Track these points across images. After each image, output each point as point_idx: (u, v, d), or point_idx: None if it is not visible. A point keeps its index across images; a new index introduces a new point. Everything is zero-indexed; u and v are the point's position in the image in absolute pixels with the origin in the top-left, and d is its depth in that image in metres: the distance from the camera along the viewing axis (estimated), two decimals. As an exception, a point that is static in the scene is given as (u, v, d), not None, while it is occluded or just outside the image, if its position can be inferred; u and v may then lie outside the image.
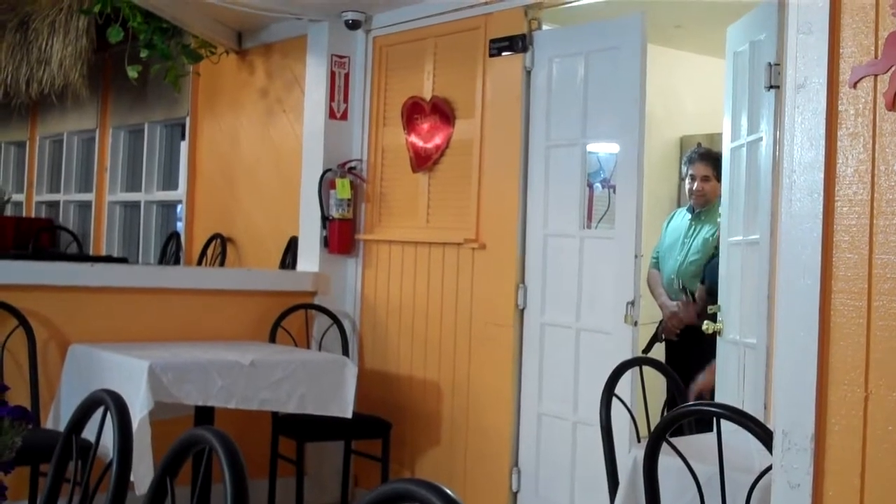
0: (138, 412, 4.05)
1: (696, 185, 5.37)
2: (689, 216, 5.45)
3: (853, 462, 2.02)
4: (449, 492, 1.49)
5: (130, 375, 4.22)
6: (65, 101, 8.04)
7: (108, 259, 7.07)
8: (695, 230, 5.35)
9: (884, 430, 1.99)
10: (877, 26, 2.10)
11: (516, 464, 4.86)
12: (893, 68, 2.06)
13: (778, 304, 2.26)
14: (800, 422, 2.09)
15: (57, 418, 4.62)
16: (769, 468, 2.23)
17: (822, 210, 2.12)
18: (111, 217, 8.51)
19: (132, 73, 6.73)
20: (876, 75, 2.09)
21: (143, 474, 3.89)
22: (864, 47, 2.11)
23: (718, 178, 5.13)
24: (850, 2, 2.14)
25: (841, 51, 2.15)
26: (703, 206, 5.35)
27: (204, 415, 4.52)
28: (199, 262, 6.84)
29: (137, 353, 4.40)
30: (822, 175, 2.13)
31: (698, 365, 4.76)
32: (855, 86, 2.11)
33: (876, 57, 2.09)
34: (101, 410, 2.40)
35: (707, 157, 5.42)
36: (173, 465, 2.01)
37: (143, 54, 6.66)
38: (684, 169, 5.56)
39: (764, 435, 2.45)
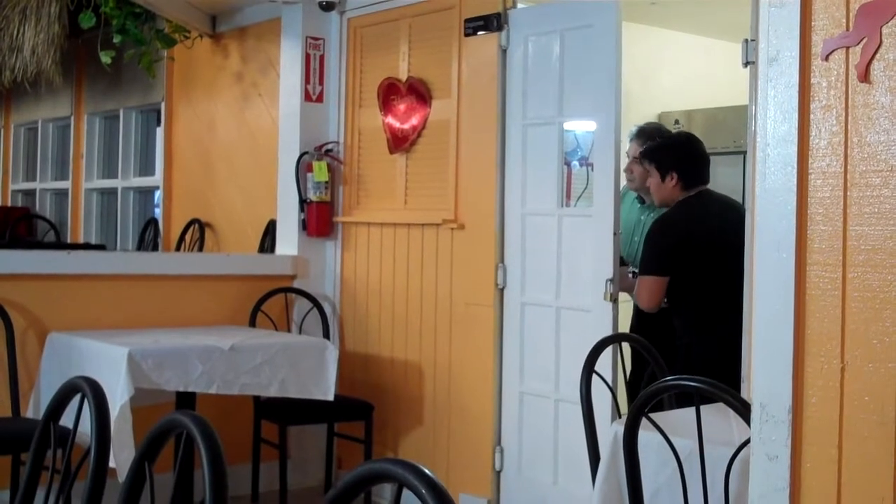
0: (119, 399, 4.04)
1: (628, 165, 4.95)
2: (637, 205, 5.12)
3: (830, 433, 2.04)
4: (426, 470, 1.49)
5: (110, 363, 4.20)
6: (38, 88, 7.99)
7: (86, 246, 7.03)
8: (646, 219, 4.99)
9: (860, 400, 2.00)
10: (848, -2, 2.10)
11: (499, 443, 4.87)
12: (865, 40, 2.06)
13: (754, 278, 2.27)
14: (777, 394, 2.10)
15: (37, 407, 4.59)
16: (747, 441, 2.24)
17: (795, 183, 2.12)
18: (88, 204, 8.48)
19: (105, 58, 6.68)
20: (848, 48, 2.09)
21: (124, 461, 3.87)
22: (836, 20, 2.11)
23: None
24: (821, -26, 2.14)
25: (813, 23, 2.15)
26: (637, 191, 4.99)
27: (185, 400, 4.51)
28: (178, 248, 6.82)
29: (117, 340, 4.38)
30: (795, 148, 2.13)
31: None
32: (827, 58, 2.12)
33: (847, 29, 2.09)
34: (78, 397, 2.39)
35: (642, 136, 5.01)
36: (151, 451, 2.01)
37: (117, 40, 6.61)
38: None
39: (742, 408, 2.47)
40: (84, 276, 5.03)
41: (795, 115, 2.14)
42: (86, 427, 2.28)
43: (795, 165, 2.13)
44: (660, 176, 4.49)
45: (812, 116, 2.12)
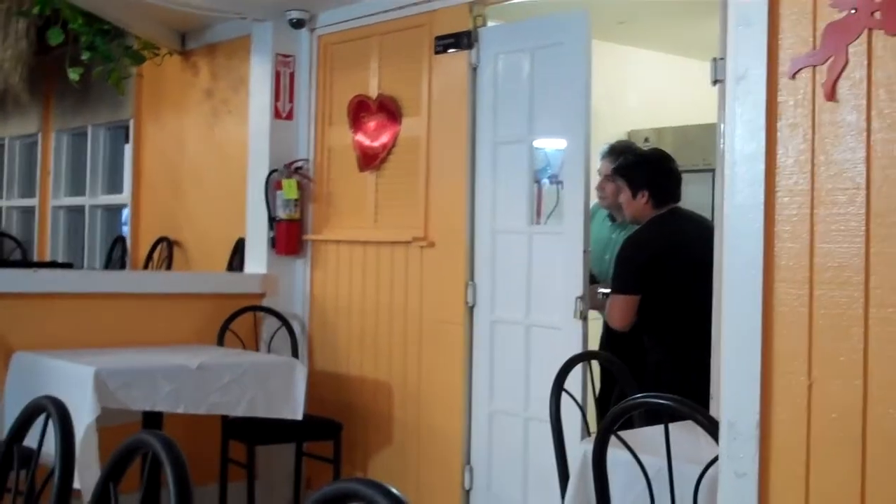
0: (85, 419, 3.99)
1: (601, 183, 4.98)
2: (608, 223, 5.11)
3: (798, 450, 2.04)
4: (394, 490, 1.48)
5: (76, 382, 4.16)
6: (6, 105, 7.93)
7: (53, 265, 6.96)
8: (617, 237, 4.96)
9: (827, 417, 2.01)
10: (815, 17, 2.12)
11: (468, 462, 4.85)
12: (831, 59, 2.08)
13: (723, 295, 2.28)
14: (745, 411, 2.10)
15: (1, 428, 4.53)
16: (716, 458, 2.24)
17: (763, 201, 2.13)
18: (55, 222, 8.40)
19: (73, 75, 6.63)
20: (814, 66, 2.10)
21: (90, 482, 3.82)
22: (803, 38, 2.13)
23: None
24: (788, -7, 2.16)
25: (780, 42, 2.17)
26: (609, 209, 5.00)
27: (152, 420, 4.46)
28: (146, 266, 6.76)
29: (83, 360, 4.33)
30: (762, 166, 2.15)
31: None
32: (794, 77, 2.13)
33: (814, 48, 2.11)
34: (42, 417, 2.36)
35: (613, 154, 5.02)
36: (116, 471, 1.98)
37: (85, 56, 6.56)
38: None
39: (710, 425, 2.46)
40: (50, 295, 4.98)
41: (763, 133, 2.15)
42: (50, 447, 2.25)
43: (763, 183, 2.14)
44: (631, 193, 4.51)
45: (779, 134, 2.14)
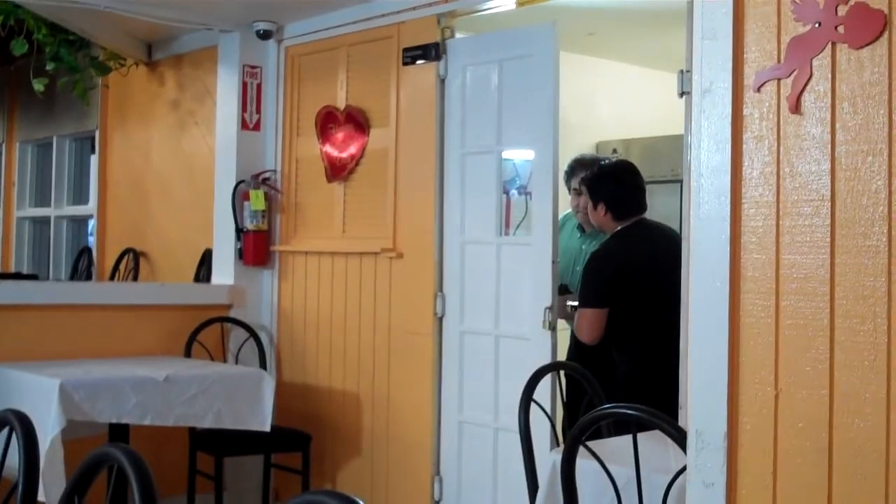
0: (50, 432, 3.96)
1: (573, 199, 4.98)
2: (577, 234, 5.11)
3: (765, 459, 2.05)
4: (361, 502, 1.47)
5: (42, 394, 4.12)
6: (-30, 116, 7.86)
7: (18, 276, 6.90)
8: (587, 247, 4.96)
9: (794, 426, 2.02)
10: (779, 31, 2.14)
11: (438, 472, 4.85)
12: (796, 72, 2.10)
13: (691, 306, 2.29)
14: (713, 421, 2.12)
15: (-35, 441, 4.48)
16: (684, 468, 2.25)
17: (729, 212, 2.15)
18: (20, 233, 8.34)
19: (38, 86, 6.57)
20: (779, 79, 2.13)
21: (55, 495, 3.79)
22: (768, 52, 2.15)
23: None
24: (753, 7, 2.18)
25: (745, 56, 2.19)
26: (584, 221, 4.96)
27: (118, 432, 4.43)
28: (112, 278, 6.72)
29: (49, 372, 4.30)
30: (728, 178, 2.16)
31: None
32: (759, 90, 2.15)
33: (779, 61, 2.13)
34: (6, 431, 2.34)
35: (582, 167, 5.00)
36: (81, 485, 1.97)
37: (50, 67, 6.51)
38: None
39: (679, 435, 2.47)
40: (15, 307, 4.93)
41: (728, 146, 2.17)
42: (14, 461, 2.23)
43: (729, 195, 2.16)
44: (592, 204, 4.53)
45: (745, 147, 2.16)
